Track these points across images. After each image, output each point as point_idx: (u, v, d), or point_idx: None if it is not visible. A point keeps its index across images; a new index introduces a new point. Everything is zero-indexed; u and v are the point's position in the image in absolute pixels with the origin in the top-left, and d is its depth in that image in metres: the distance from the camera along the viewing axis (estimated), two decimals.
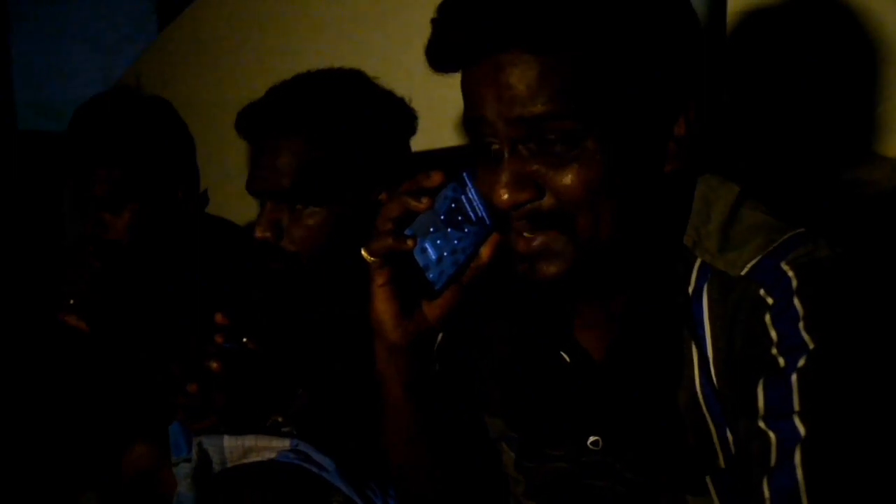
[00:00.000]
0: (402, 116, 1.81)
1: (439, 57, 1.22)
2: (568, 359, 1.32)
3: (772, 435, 1.15)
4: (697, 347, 1.24)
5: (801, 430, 1.14)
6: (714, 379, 1.23)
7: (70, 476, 2.10)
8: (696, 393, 1.24)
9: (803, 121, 1.82)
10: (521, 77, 1.17)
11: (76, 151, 2.11)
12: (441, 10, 1.21)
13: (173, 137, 2.18)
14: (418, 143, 1.85)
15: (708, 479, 1.26)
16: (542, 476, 1.37)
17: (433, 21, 1.21)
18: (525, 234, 1.21)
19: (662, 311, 1.26)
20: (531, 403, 1.36)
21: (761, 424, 1.16)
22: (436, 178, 1.22)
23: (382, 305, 1.25)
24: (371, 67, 1.85)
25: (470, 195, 1.22)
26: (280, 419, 1.78)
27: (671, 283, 1.25)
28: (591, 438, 1.31)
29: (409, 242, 1.21)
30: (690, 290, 1.24)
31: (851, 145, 1.78)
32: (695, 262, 1.25)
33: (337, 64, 1.85)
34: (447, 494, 1.38)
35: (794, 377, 1.15)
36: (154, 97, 2.20)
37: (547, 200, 1.20)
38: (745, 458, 1.20)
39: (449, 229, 1.22)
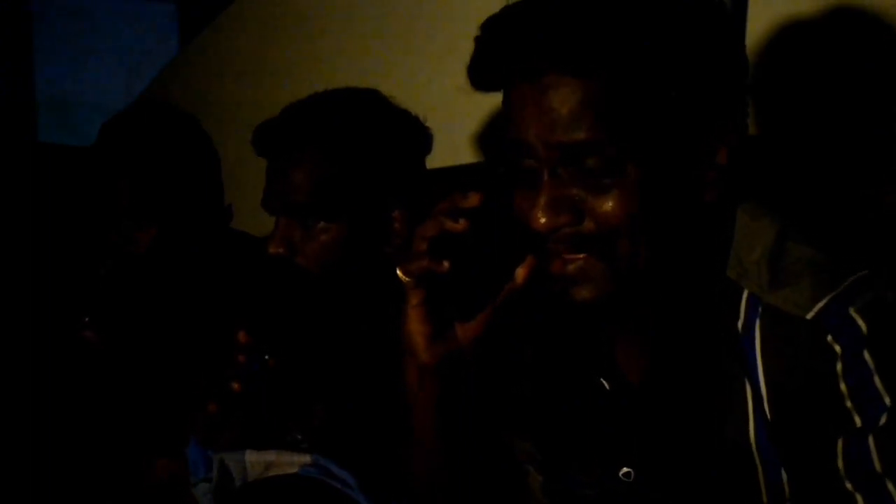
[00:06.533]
0: (417, 134, 1.82)
1: (481, 75, 1.21)
2: (608, 385, 1.30)
3: (859, 498, 1.13)
4: (751, 384, 1.21)
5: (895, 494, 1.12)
6: (769, 417, 1.20)
7: (91, 488, 2.11)
8: (746, 430, 1.21)
9: (825, 141, 1.81)
10: (563, 101, 1.15)
11: (102, 165, 2.13)
12: (485, 28, 1.20)
13: (199, 152, 2.19)
14: (433, 161, 1.86)
15: None
16: (569, 502, 1.35)
17: (476, 39, 1.20)
18: (561, 257, 1.20)
19: (707, 343, 1.23)
20: (564, 428, 1.34)
21: (848, 486, 1.14)
22: (473, 199, 1.19)
23: (415, 325, 1.23)
24: (390, 84, 1.86)
25: None
26: (298, 436, 1.79)
27: (716, 315, 1.23)
28: (623, 470, 1.29)
29: (445, 264, 1.19)
30: (740, 324, 1.22)
31: (876, 166, 1.77)
32: (741, 294, 1.22)
33: (358, 81, 1.86)
34: None
35: (875, 435, 1.13)
36: (180, 112, 2.22)
37: (586, 225, 1.18)
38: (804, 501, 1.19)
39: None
